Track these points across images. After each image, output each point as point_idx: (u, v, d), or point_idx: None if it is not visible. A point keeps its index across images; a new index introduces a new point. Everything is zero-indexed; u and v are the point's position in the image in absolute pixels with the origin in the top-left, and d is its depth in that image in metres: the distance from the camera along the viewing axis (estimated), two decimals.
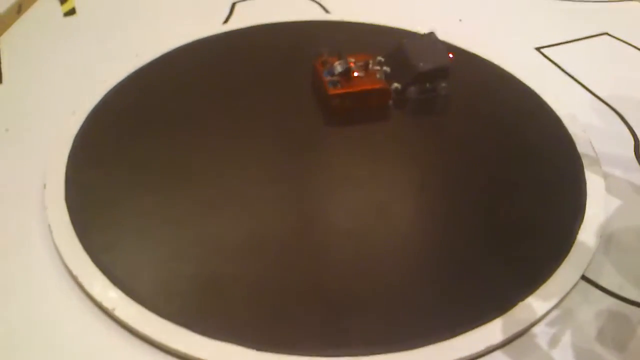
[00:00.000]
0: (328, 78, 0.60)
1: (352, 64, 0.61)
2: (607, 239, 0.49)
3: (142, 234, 0.48)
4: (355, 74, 0.60)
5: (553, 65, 0.70)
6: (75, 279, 0.45)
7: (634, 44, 0.74)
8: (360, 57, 0.62)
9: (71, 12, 0.79)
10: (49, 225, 0.49)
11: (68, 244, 0.47)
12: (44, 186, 0.52)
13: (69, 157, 0.55)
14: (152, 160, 0.55)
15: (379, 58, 0.63)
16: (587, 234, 0.49)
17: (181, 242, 0.48)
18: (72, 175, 0.53)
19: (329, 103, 0.60)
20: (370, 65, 0.61)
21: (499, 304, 0.44)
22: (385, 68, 0.62)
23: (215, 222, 0.50)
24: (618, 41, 0.75)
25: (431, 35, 0.63)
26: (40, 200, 0.51)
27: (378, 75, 0.61)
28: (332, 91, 0.59)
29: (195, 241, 0.48)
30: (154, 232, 0.49)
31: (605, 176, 0.55)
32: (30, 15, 0.78)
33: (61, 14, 0.78)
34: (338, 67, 0.60)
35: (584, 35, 0.75)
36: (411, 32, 0.73)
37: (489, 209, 0.51)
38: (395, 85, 0.61)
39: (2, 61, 0.68)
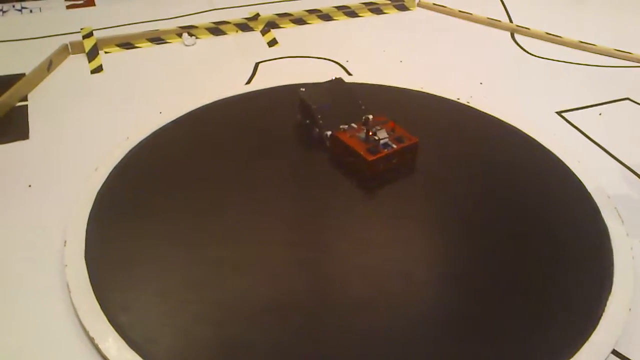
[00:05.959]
0: (365, 145, 0.60)
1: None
2: (638, 309, 0.48)
3: (161, 295, 0.48)
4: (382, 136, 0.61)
5: (574, 130, 0.70)
6: (91, 340, 0.44)
7: None
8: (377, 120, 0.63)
9: (98, 69, 0.81)
10: (67, 284, 0.48)
11: (86, 304, 0.47)
12: (65, 243, 0.52)
13: (90, 214, 0.55)
14: (173, 219, 0.55)
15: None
16: (616, 306, 0.47)
17: (200, 305, 0.47)
18: (93, 233, 0.53)
19: (370, 169, 0.59)
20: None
21: None
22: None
23: (236, 285, 0.49)
24: (639, 106, 0.74)
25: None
26: (60, 257, 0.51)
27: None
28: (372, 157, 0.58)
29: (215, 304, 0.47)
30: (173, 294, 0.48)
31: (633, 244, 0.53)
32: (58, 72, 0.80)
33: (89, 71, 0.80)
34: (383, 134, 0.61)
35: (606, 100, 0.75)
36: (433, 95, 0.74)
37: (510, 278, 0.50)
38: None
39: (29, 117, 0.70)
